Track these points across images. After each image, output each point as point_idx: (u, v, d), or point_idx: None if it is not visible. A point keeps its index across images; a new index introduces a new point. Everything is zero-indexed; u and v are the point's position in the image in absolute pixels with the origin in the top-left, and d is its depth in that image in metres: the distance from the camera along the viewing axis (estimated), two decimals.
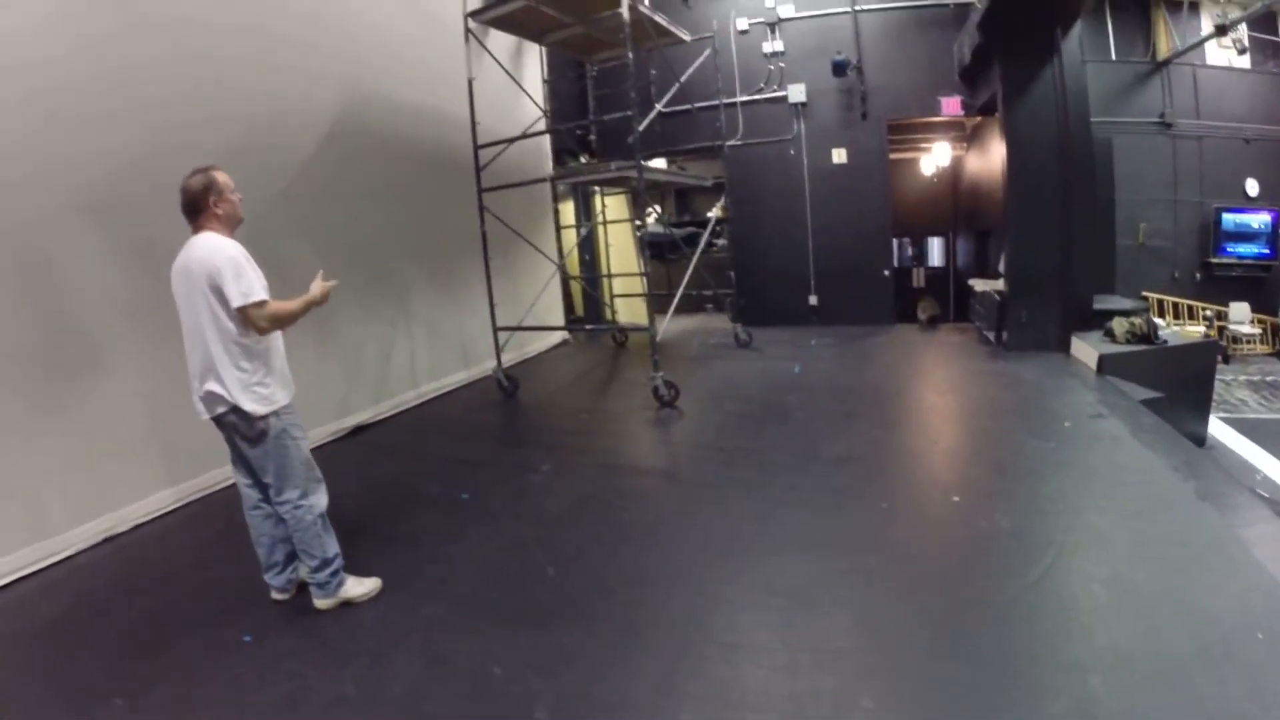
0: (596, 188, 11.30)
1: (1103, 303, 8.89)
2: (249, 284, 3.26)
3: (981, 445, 5.79)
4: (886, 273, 11.45)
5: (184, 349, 3.44)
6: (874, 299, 11.49)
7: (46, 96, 4.76)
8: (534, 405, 7.93)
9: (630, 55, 7.11)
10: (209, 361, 3.33)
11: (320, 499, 3.63)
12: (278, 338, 3.53)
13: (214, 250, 3.29)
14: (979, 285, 10.39)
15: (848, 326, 11.14)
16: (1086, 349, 7.91)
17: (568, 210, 12.15)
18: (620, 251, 11.75)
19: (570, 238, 11.97)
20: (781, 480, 5.00)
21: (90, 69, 5.05)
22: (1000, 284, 9.54)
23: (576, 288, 12.10)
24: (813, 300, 11.72)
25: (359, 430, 7.02)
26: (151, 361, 5.25)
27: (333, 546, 3.62)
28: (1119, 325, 7.97)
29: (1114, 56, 11.36)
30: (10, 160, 4.56)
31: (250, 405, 3.35)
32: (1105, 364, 7.52)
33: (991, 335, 9.55)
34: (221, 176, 3.50)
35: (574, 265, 11.85)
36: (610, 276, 11.67)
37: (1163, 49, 11.68)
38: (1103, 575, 3.41)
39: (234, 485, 3.81)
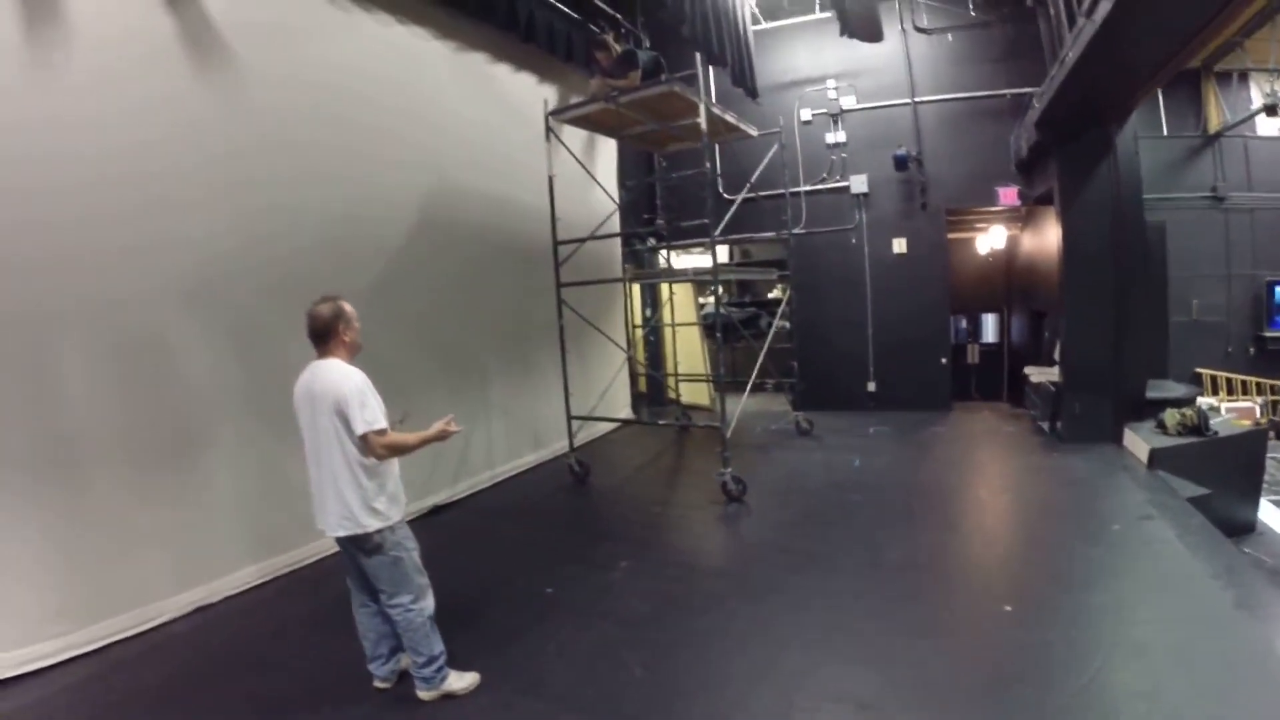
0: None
1: (1156, 390, 8.99)
2: (373, 413, 3.61)
3: (1034, 551, 5.97)
4: (944, 360, 11.66)
5: (306, 462, 3.79)
6: (931, 385, 11.68)
7: (150, 180, 5.23)
8: (605, 493, 8.23)
9: (707, 166, 7.52)
10: (332, 480, 3.66)
11: (429, 602, 3.93)
12: (393, 461, 3.83)
13: (344, 378, 3.63)
14: (1035, 375, 10.52)
15: (905, 413, 11.33)
16: (1139, 442, 8.04)
17: (634, 289, 12.50)
18: (684, 330, 12.06)
19: (636, 311, 12.37)
20: (846, 586, 5.23)
21: (191, 154, 5.52)
22: (1055, 373, 9.69)
23: (641, 353, 12.40)
24: (871, 386, 11.93)
25: (437, 510, 7.38)
26: (244, 441, 5.71)
27: (438, 644, 3.92)
28: (1170, 417, 8.10)
29: (1165, 132, 11.44)
30: (114, 240, 5.02)
31: (368, 521, 3.67)
32: (1156, 458, 7.66)
33: (1046, 425, 9.68)
34: (348, 307, 3.84)
35: (639, 344, 12.20)
36: (674, 354, 11.97)
37: (1213, 122, 11.73)
38: (1144, 689, 3.65)
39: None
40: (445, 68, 8.35)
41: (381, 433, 3.62)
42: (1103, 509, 6.55)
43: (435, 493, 7.53)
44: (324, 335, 3.77)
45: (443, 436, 3.94)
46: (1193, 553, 5.36)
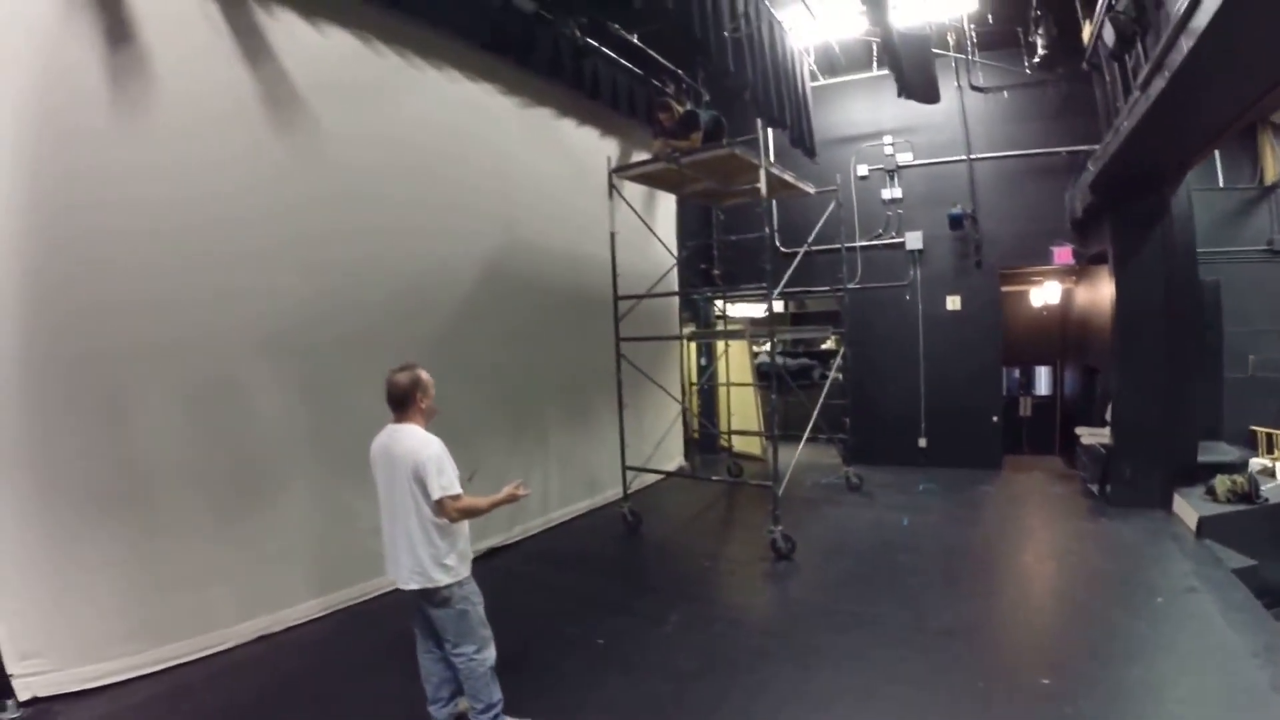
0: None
1: (1208, 453, 8.96)
2: (449, 479, 3.83)
3: (1075, 622, 5.99)
4: (995, 418, 11.66)
5: (383, 521, 4.03)
6: (982, 443, 11.66)
7: (228, 229, 5.62)
8: (657, 544, 8.40)
9: (766, 231, 7.74)
10: (406, 537, 3.89)
11: (491, 652, 4.11)
12: (464, 521, 4.05)
13: (422, 445, 3.86)
14: (1086, 436, 10.47)
15: (955, 470, 11.33)
16: (1188, 509, 8.00)
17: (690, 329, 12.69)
18: (737, 376, 12.20)
19: (692, 367, 12.58)
20: (888, 650, 5.31)
21: (268, 206, 5.91)
22: (1105, 433, 9.67)
23: (694, 404, 12.58)
24: (922, 443, 11.96)
25: (493, 553, 7.58)
26: (310, 480, 6.02)
27: (497, 692, 4.10)
28: (1221, 484, 8.05)
29: (1221, 183, 11.22)
30: (193, 286, 5.39)
31: (439, 576, 3.89)
32: (1204, 527, 7.61)
33: (1095, 488, 9.63)
34: (425, 375, 4.08)
35: (694, 396, 12.39)
36: (728, 403, 12.12)
37: (1270, 173, 11.49)
38: None
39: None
40: (513, 122, 8.70)
41: (456, 498, 3.84)
42: (1147, 579, 6.56)
43: (491, 536, 7.73)
44: (402, 402, 4.00)
45: (512, 499, 4.19)
46: (1234, 629, 5.36)
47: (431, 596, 3.94)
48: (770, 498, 7.66)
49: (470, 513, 3.96)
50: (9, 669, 4.44)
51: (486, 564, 7.28)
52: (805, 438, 9.12)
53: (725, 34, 7.35)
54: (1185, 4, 4.91)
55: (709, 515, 9.66)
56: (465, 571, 4.05)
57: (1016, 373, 14.95)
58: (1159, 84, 5.89)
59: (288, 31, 6.18)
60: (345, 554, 6.16)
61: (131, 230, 5.03)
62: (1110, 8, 7.28)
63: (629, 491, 8.99)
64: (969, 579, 6.95)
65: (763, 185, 7.72)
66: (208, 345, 5.48)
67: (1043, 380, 14.98)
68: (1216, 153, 10.93)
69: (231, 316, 5.63)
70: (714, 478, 10.60)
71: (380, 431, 4.05)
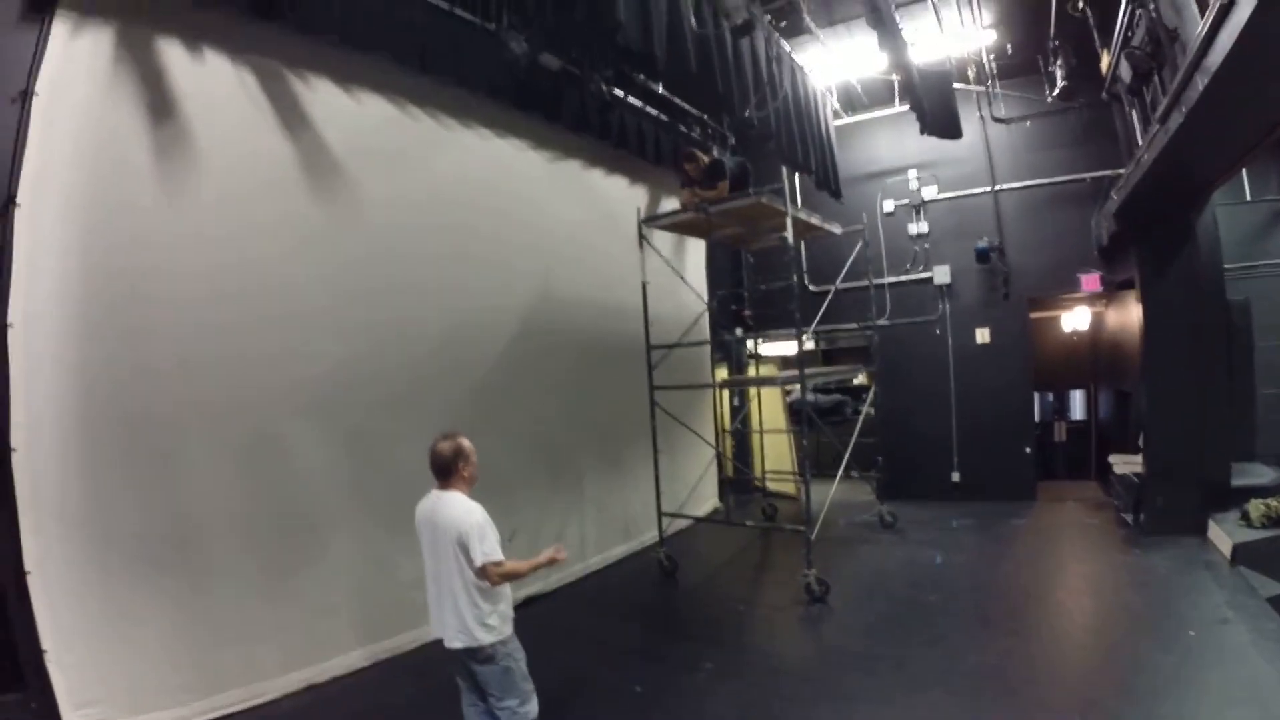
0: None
1: (1242, 476, 8.89)
2: (491, 546, 4.01)
3: (1107, 658, 6.01)
4: (1028, 450, 11.62)
5: (428, 582, 4.22)
6: (1015, 475, 11.60)
7: (271, 294, 5.93)
8: (692, 589, 8.50)
9: (795, 279, 7.90)
10: (451, 599, 4.07)
11: (533, 705, 4.26)
12: (506, 584, 4.22)
13: (466, 514, 4.05)
14: (1118, 465, 10.45)
15: (989, 503, 11.26)
16: (1222, 535, 7.97)
17: (722, 375, 12.77)
18: (770, 415, 12.29)
19: (725, 413, 12.61)
20: (920, 696, 5.36)
21: (310, 271, 6.21)
22: (1138, 461, 9.64)
23: (728, 447, 12.69)
24: (955, 477, 11.93)
25: (531, 601, 7.67)
26: (355, 534, 6.23)
27: None
28: (1255, 509, 7.98)
29: (1249, 196, 11.00)
30: (248, 363, 5.70)
31: (482, 636, 4.05)
32: (1239, 554, 7.57)
33: (1129, 517, 9.60)
34: (467, 444, 4.28)
35: (727, 439, 12.53)
36: (762, 433, 12.17)
37: None
38: None
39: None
40: (543, 176, 8.95)
41: (498, 563, 4.01)
42: (1179, 611, 6.54)
43: (531, 584, 7.82)
44: (445, 471, 4.21)
45: (552, 562, 4.39)
46: (1267, 660, 5.37)
47: (476, 654, 4.09)
48: (799, 539, 7.76)
49: (512, 576, 4.14)
50: (66, 717, 4.61)
51: (525, 612, 7.24)
52: (838, 478, 9.19)
53: (750, 109, 7.58)
54: (1198, 43, 5.01)
55: (744, 558, 9.73)
56: (508, 630, 4.21)
57: (1050, 397, 14.91)
58: (1176, 119, 5.99)
59: (323, 100, 6.50)
60: (388, 605, 6.35)
61: (178, 296, 5.33)
62: (1126, 43, 7.40)
63: (665, 536, 9.12)
64: (1000, 617, 6.98)
65: (789, 233, 7.89)
66: (253, 404, 5.74)
67: (1077, 404, 14.87)
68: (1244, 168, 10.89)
69: (275, 376, 5.90)
70: (748, 523, 10.63)
71: (425, 496, 4.27)
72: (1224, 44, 4.62)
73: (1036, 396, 14.03)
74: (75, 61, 4.88)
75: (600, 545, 9.21)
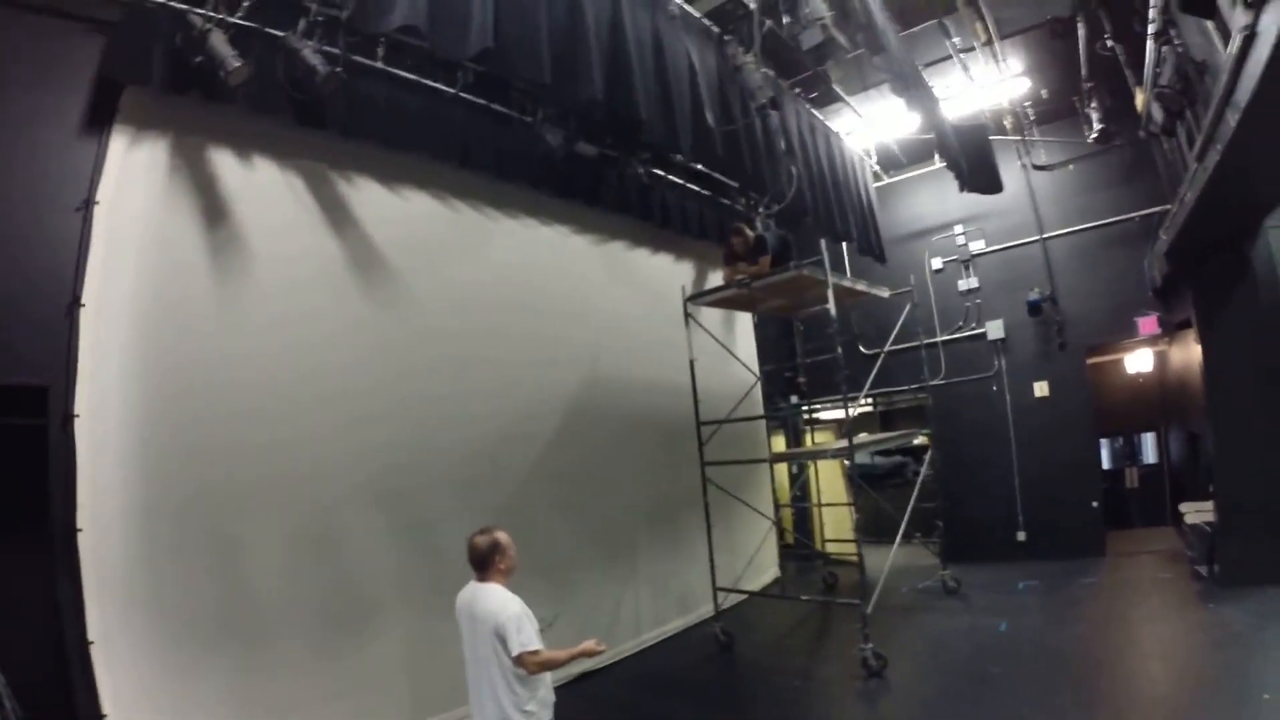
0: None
1: None
2: (528, 637, 4.12)
3: None
4: (1095, 504, 11.27)
5: (468, 670, 4.36)
6: (1083, 530, 11.23)
7: (332, 399, 6.26)
8: (749, 663, 8.43)
9: (839, 350, 7.99)
10: (490, 688, 4.19)
11: None
12: (545, 672, 4.32)
13: (503, 605, 4.19)
14: (1190, 515, 10.09)
15: (1057, 561, 10.93)
16: None
17: (779, 443, 12.84)
18: (828, 481, 12.23)
19: (783, 486, 12.69)
20: None
21: (364, 376, 6.52)
22: (1209, 508, 9.29)
23: (787, 515, 12.64)
24: (1020, 536, 11.63)
25: (584, 677, 7.70)
26: (410, 620, 6.41)
27: None
28: None
29: None
30: (305, 451, 6.03)
31: None
32: None
33: (1203, 570, 9.22)
34: (504, 537, 4.42)
35: (785, 495, 12.47)
36: (820, 507, 12.16)
37: None
38: None
39: None
40: (588, 260, 9.22)
41: (535, 653, 4.12)
42: (1256, 671, 6.27)
43: (581, 661, 7.90)
44: (482, 564, 4.37)
45: (588, 654, 4.43)
46: None
47: None
48: (867, 612, 7.66)
49: (549, 665, 4.24)
50: None
51: (578, 689, 7.46)
52: (897, 543, 9.12)
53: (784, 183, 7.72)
54: (1225, 78, 4.97)
55: (802, 630, 9.63)
56: (547, 716, 4.33)
57: (1119, 443, 14.52)
58: (1213, 156, 5.93)
59: (368, 199, 6.94)
60: (439, 682, 6.36)
61: (232, 382, 5.72)
62: (1156, 80, 7.31)
63: (722, 609, 9.08)
64: (1065, 689, 6.68)
65: (831, 304, 7.94)
66: (305, 489, 6.06)
67: (1148, 447, 14.46)
68: None
69: (327, 462, 6.22)
70: (803, 597, 10.51)
71: (464, 588, 4.45)
72: (1251, 76, 4.57)
73: (1105, 442, 13.76)
74: (133, 170, 5.37)
75: (656, 620, 9.21)
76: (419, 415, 6.90)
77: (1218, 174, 6.12)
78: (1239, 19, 4.48)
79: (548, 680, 4.39)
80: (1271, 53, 4.12)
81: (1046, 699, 6.49)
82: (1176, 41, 6.53)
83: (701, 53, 7.07)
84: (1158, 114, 7.23)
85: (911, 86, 7.89)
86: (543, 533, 7.77)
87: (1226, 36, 5.05)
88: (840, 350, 8.09)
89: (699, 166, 10.18)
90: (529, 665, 4.12)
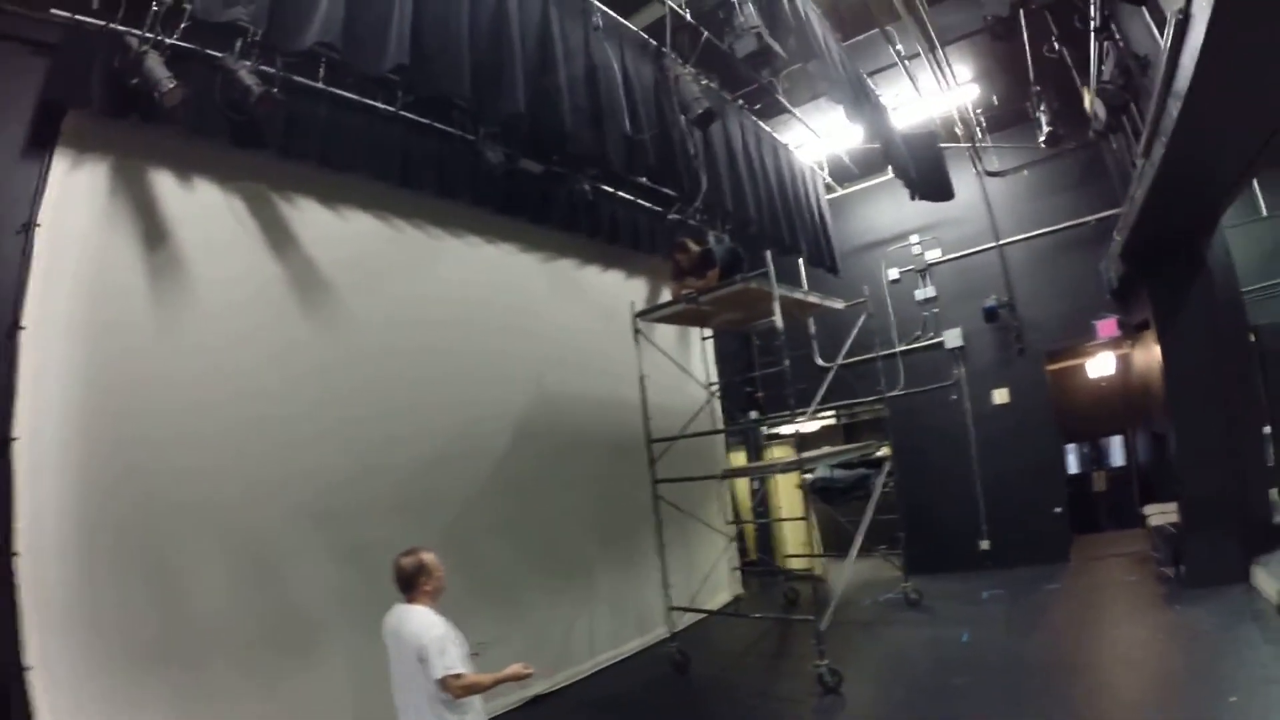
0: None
1: None
2: (451, 660, 4.04)
3: None
4: (1058, 509, 11.20)
5: (394, 693, 4.30)
6: (1048, 537, 11.15)
7: (272, 421, 6.17)
8: (705, 683, 8.27)
9: (786, 362, 7.95)
10: (415, 712, 4.13)
11: None
12: (475, 697, 4.23)
13: (426, 628, 4.11)
14: (1154, 517, 10.01)
15: (1021, 569, 10.84)
16: (1267, 580, 7.52)
17: (740, 458, 12.75)
18: (790, 495, 12.12)
19: (743, 488, 12.60)
20: None
21: (305, 397, 6.44)
22: (1173, 509, 9.25)
23: (749, 531, 12.53)
24: (984, 545, 11.51)
25: (537, 699, 7.63)
26: (352, 642, 6.20)
27: None
28: None
29: (1264, 212, 10.52)
30: (244, 473, 5.93)
31: None
32: None
33: (1169, 571, 9.13)
34: (429, 558, 4.37)
35: (747, 510, 12.37)
36: (778, 521, 12.04)
37: None
38: None
39: None
40: (535, 278, 9.12)
41: (459, 676, 4.03)
42: (1222, 673, 6.15)
43: (535, 682, 7.67)
44: (408, 585, 4.32)
45: (516, 678, 4.33)
46: None
47: None
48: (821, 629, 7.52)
49: (473, 690, 4.15)
50: None
51: (531, 711, 7.45)
52: (853, 555, 9.01)
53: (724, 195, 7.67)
54: (1164, 67, 4.88)
55: (761, 647, 9.47)
56: None
57: (1086, 448, 14.51)
58: (1159, 150, 5.87)
59: (309, 219, 6.90)
60: (380, 707, 6.21)
61: (171, 403, 5.67)
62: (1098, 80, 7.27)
63: (681, 628, 8.96)
64: (1029, 697, 6.56)
65: (777, 317, 7.86)
66: (244, 510, 5.97)
67: (1116, 450, 14.45)
68: (1255, 182, 10.34)
69: (266, 483, 6.12)
70: (756, 614, 10.38)
71: (391, 610, 4.38)
72: (1188, 62, 4.48)
73: (1072, 447, 13.74)
74: (74, 193, 5.37)
75: (612, 641, 9.05)
76: (360, 435, 6.81)
77: (1165, 168, 6.08)
78: (1173, 2, 4.39)
79: (477, 705, 4.30)
80: (1205, 35, 4.03)
81: (1009, 710, 6.42)
82: (1118, 36, 6.47)
83: (637, 65, 7.01)
84: (1100, 111, 7.16)
85: (852, 94, 7.86)
86: (490, 553, 7.70)
87: (1164, 25, 4.92)
88: (788, 363, 8.01)
89: (645, 182, 10.09)
90: (453, 689, 4.03)
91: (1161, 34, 4.97)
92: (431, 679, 4.02)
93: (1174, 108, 5.09)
